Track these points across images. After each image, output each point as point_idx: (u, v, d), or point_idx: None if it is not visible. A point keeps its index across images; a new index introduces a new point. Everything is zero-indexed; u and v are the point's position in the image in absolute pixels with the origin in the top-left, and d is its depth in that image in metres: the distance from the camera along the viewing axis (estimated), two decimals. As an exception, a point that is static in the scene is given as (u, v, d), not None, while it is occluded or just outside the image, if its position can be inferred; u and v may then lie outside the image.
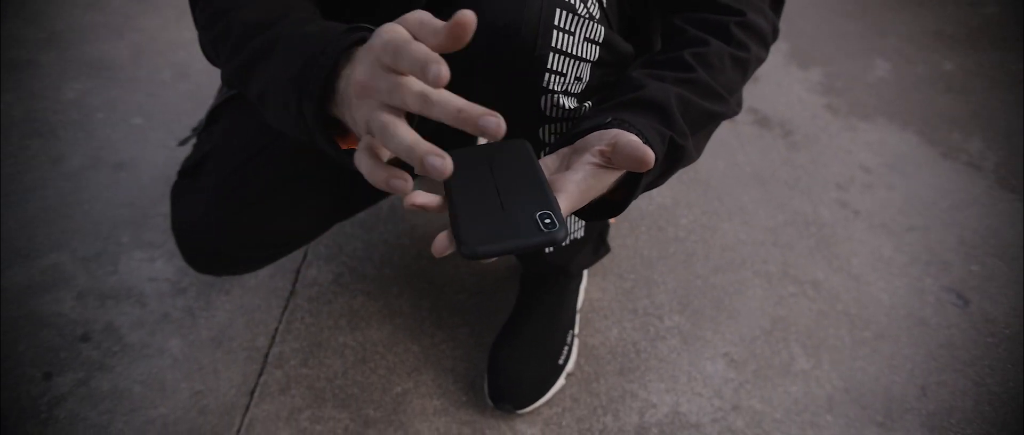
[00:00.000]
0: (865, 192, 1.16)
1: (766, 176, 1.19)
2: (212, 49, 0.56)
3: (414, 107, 0.36)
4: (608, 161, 0.45)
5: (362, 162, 0.39)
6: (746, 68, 0.59)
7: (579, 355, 0.90)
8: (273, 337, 0.91)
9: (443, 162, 0.34)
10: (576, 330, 0.90)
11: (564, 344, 0.86)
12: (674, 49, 0.57)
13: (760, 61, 0.62)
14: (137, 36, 1.39)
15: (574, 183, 0.45)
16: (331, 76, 0.42)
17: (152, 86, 1.29)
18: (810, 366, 0.91)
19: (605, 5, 0.57)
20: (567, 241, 0.39)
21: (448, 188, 0.43)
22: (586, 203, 0.46)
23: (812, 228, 1.10)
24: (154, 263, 0.98)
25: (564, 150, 0.48)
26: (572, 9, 0.53)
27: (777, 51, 1.44)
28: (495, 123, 0.34)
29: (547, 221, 0.40)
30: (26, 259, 0.97)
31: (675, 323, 0.95)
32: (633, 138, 0.44)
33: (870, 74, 1.43)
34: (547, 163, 0.48)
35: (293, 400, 0.84)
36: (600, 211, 0.52)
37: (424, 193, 0.41)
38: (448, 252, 0.40)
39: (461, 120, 0.35)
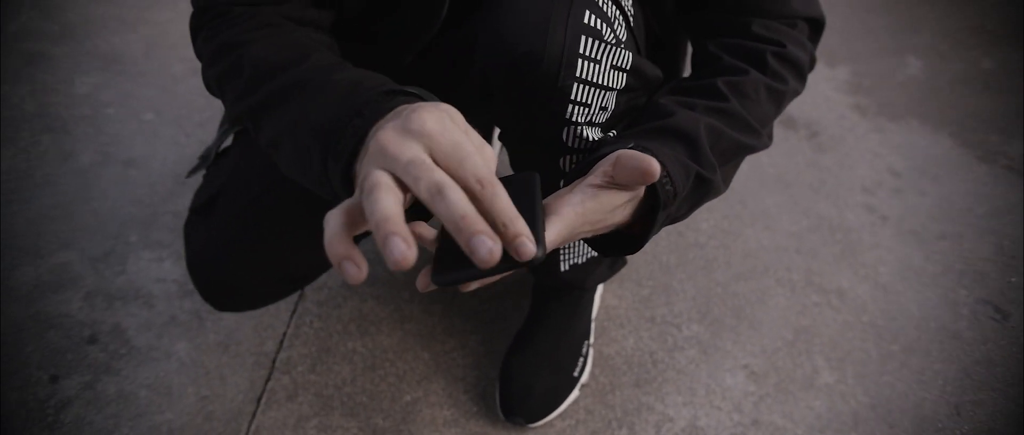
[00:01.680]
0: (894, 197, 1.11)
1: (790, 179, 1.14)
2: (217, 84, 0.52)
3: (422, 193, 0.32)
4: (610, 180, 0.42)
5: (329, 223, 0.34)
6: (781, 101, 0.56)
7: (594, 365, 0.87)
8: (281, 342, 0.89)
9: (405, 253, 0.30)
10: (591, 339, 0.87)
11: (578, 355, 0.84)
12: (708, 76, 0.54)
13: (796, 93, 0.59)
14: (149, 29, 1.38)
15: (569, 205, 0.42)
16: (364, 137, 0.39)
17: (164, 81, 1.27)
18: (834, 380, 0.87)
19: (632, 25, 0.53)
20: (538, 261, 0.35)
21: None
22: (587, 227, 0.43)
23: (838, 234, 1.05)
24: (162, 263, 0.97)
25: (578, 179, 0.45)
26: (598, 36, 0.49)
27: (803, 47, 1.39)
28: (488, 250, 0.31)
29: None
30: (34, 258, 0.96)
31: (694, 333, 0.92)
32: (636, 152, 0.41)
33: (901, 72, 1.37)
34: (561, 193, 0.44)
35: (301, 407, 0.83)
36: (617, 246, 0.49)
37: (424, 225, 0.39)
38: (431, 288, 0.38)
39: (457, 229, 0.31)
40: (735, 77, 0.53)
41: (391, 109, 0.39)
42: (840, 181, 1.14)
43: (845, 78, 1.35)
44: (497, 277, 0.38)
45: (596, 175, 0.42)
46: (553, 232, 0.40)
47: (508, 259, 0.35)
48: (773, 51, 0.55)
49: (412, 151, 0.34)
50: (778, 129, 1.24)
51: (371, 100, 0.40)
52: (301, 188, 0.65)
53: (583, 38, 0.48)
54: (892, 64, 1.39)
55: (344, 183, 0.40)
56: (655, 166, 0.39)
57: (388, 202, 0.32)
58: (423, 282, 0.38)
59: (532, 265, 0.35)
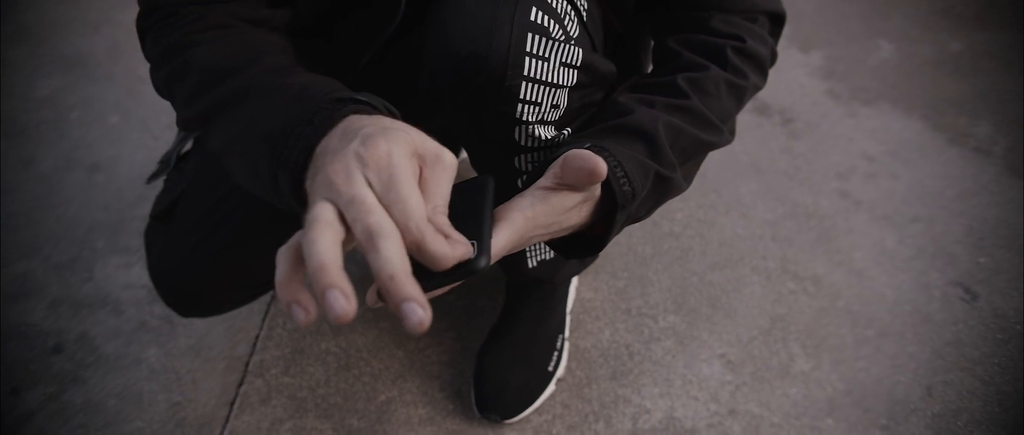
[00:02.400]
0: (867, 182, 1.12)
1: (764, 166, 1.14)
2: (165, 87, 0.50)
3: (358, 235, 0.31)
4: (560, 182, 0.41)
5: (279, 263, 0.32)
6: (742, 96, 0.56)
7: (570, 359, 0.87)
8: (254, 345, 0.88)
9: (345, 306, 0.29)
10: (566, 333, 0.87)
11: (553, 350, 0.83)
12: (667, 73, 0.53)
13: (757, 89, 0.58)
14: (113, 30, 1.35)
15: (518, 209, 0.41)
16: (313, 147, 0.37)
17: (130, 82, 1.24)
18: (810, 367, 0.87)
19: (586, 21, 0.52)
20: (481, 271, 0.35)
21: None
22: (540, 231, 0.42)
23: (812, 221, 1.06)
24: (131, 269, 0.95)
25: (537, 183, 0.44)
26: (546, 33, 0.48)
27: (777, 34, 1.39)
28: (418, 320, 0.29)
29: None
30: (-4, 267, 0.94)
31: (670, 324, 0.92)
32: (582, 151, 0.40)
33: (873, 56, 1.38)
34: (518, 199, 0.43)
35: (274, 410, 0.81)
36: (578, 247, 0.48)
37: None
38: (380, 305, 0.36)
39: (386, 289, 0.30)
40: (695, 73, 0.52)
41: (343, 117, 0.37)
42: (814, 167, 1.14)
43: (819, 63, 1.35)
44: (446, 288, 0.37)
45: (547, 177, 0.42)
46: (502, 238, 0.39)
47: (455, 269, 0.34)
48: (733, 46, 0.54)
49: (355, 188, 0.32)
50: (752, 115, 1.24)
51: (321, 108, 0.38)
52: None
53: (530, 36, 0.47)
54: (865, 48, 1.40)
55: (294, 195, 0.38)
56: (601, 166, 0.38)
57: (323, 246, 0.30)
58: (371, 298, 0.36)
59: (477, 274, 0.34)
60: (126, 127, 1.16)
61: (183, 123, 0.50)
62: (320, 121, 0.37)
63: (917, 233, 1.04)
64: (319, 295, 0.29)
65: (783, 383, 0.86)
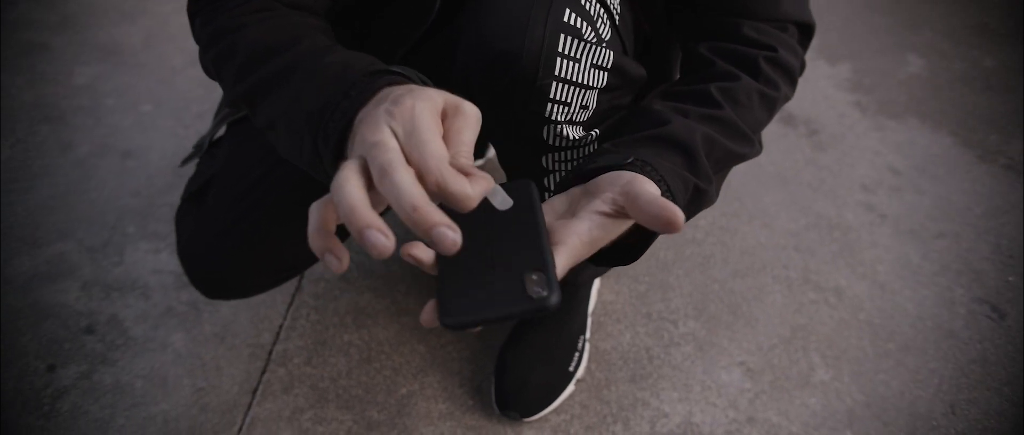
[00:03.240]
0: (893, 195, 1.11)
1: (789, 177, 1.14)
2: (214, 68, 0.52)
3: (375, 174, 0.32)
4: (620, 209, 0.40)
5: (312, 215, 0.34)
6: (773, 107, 0.56)
7: (590, 360, 0.87)
8: (278, 334, 0.89)
9: (383, 241, 0.30)
10: (587, 334, 0.87)
11: (574, 350, 0.84)
12: (700, 82, 0.53)
13: (787, 99, 0.58)
14: (149, 21, 1.38)
15: (577, 235, 0.40)
16: (352, 118, 0.39)
17: (162, 72, 1.27)
18: (830, 377, 0.87)
19: (618, 24, 0.53)
20: (556, 306, 0.35)
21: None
22: (590, 251, 0.41)
23: (836, 232, 1.05)
24: (159, 255, 0.97)
25: (575, 190, 0.44)
26: (578, 34, 0.48)
27: (804, 44, 1.39)
28: (451, 241, 0.30)
29: (537, 284, 0.35)
30: (32, 247, 0.96)
31: (690, 329, 0.92)
32: (655, 194, 0.39)
33: (902, 70, 1.37)
34: (555, 205, 0.43)
35: (296, 399, 0.83)
36: (611, 257, 0.47)
37: (422, 246, 0.37)
38: (437, 324, 0.36)
39: (413, 221, 0.31)
40: (728, 83, 0.52)
41: (378, 90, 0.39)
42: (839, 179, 1.14)
43: (846, 75, 1.35)
44: (512, 318, 0.36)
45: (603, 201, 0.41)
46: (561, 265, 0.38)
47: (527, 301, 0.34)
48: (766, 56, 0.54)
49: (379, 134, 0.33)
50: (777, 126, 1.23)
51: (357, 81, 0.40)
52: (293, 179, 0.65)
53: (562, 37, 0.48)
54: (893, 62, 1.39)
55: (335, 166, 0.40)
56: (680, 218, 0.37)
57: (349, 189, 0.31)
58: (428, 318, 0.36)
59: (549, 311, 0.34)
60: (158, 115, 1.19)
61: (231, 101, 0.51)
62: (357, 93, 0.39)
63: (942, 249, 1.03)
64: (357, 236, 0.30)
65: (802, 393, 0.85)
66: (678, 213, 0.37)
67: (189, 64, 1.29)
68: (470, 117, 0.36)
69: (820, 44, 1.40)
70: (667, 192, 0.43)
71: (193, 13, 0.54)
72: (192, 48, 1.30)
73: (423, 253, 0.37)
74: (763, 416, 0.83)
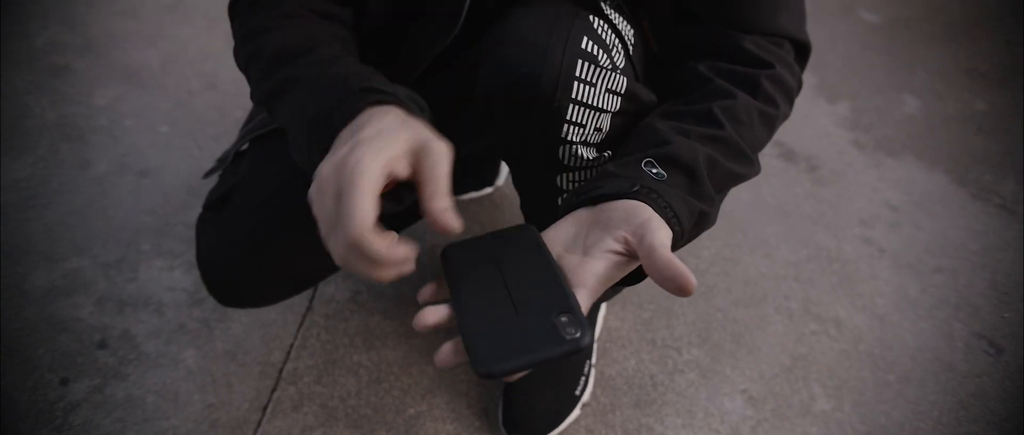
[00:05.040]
0: (891, 230, 1.14)
1: (790, 210, 1.17)
2: (244, 66, 0.57)
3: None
4: (633, 251, 0.42)
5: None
6: (773, 125, 0.56)
7: (595, 385, 0.89)
8: (288, 353, 0.91)
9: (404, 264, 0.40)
10: (593, 360, 0.89)
11: (580, 374, 0.85)
12: (700, 100, 0.54)
13: (785, 117, 0.59)
14: (168, 45, 1.42)
15: (594, 276, 0.41)
16: (340, 130, 0.43)
17: (180, 95, 1.30)
18: (831, 407, 0.88)
19: (631, 54, 0.56)
20: (590, 345, 0.37)
21: (454, 291, 0.40)
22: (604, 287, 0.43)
23: (835, 265, 1.08)
24: (173, 272, 0.99)
25: (583, 216, 0.45)
26: (594, 60, 0.51)
27: (804, 84, 1.42)
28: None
29: (568, 326, 0.36)
30: (49, 262, 0.98)
31: (694, 357, 0.93)
32: (668, 256, 0.40)
33: (899, 110, 1.41)
34: (560, 233, 0.45)
35: (305, 418, 0.84)
36: (620, 282, 0.48)
37: (434, 310, 0.40)
38: (453, 364, 0.38)
39: (357, 248, 0.38)
40: (727, 101, 0.53)
41: (360, 110, 0.43)
42: (838, 213, 1.17)
43: (845, 114, 1.39)
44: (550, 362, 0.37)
45: (616, 241, 0.42)
46: (583, 305, 0.40)
47: (563, 343, 0.36)
48: (766, 75, 0.55)
49: (316, 207, 0.42)
50: (778, 161, 1.27)
51: (348, 96, 0.44)
52: None
53: (580, 62, 0.51)
54: (890, 101, 1.43)
55: None
56: (692, 286, 0.39)
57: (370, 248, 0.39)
58: (445, 358, 0.39)
59: (583, 351, 0.35)
60: (175, 136, 1.22)
61: (255, 100, 0.57)
62: (345, 108, 0.43)
63: (940, 283, 1.05)
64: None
65: (803, 421, 0.87)
66: (691, 281, 0.38)
67: (206, 88, 1.32)
68: (440, 155, 0.40)
69: (820, 83, 1.45)
70: (673, 218, 0.44)
71: (233, 15, 0.60)
72: (209, 72, 1.35)
73: (434, 316, 0.40)
74: (766, 444, 0.84)
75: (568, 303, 0.38)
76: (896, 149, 1.31)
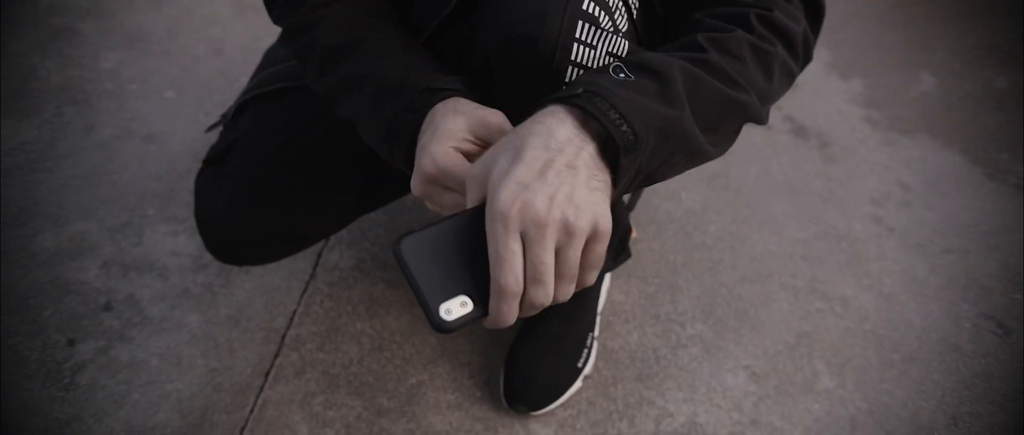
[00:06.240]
0: (901, 210, 1.12)
1: (799, 187, 1.15)
2: (298, 61, 0.61)
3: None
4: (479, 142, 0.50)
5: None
6: (770, 64, 0.51)
7: (598, 358, 0.89)
8: (291, 319, 0.91)
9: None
10: (596, 333, 0.89)
11: (583, 347, 0.85)
12: (687, 34, 0.51)
13: (787, 66, 0.53)
14: (173, 9, 1.40)
15: (429, 156, 0.47)
16: (415, 133, 0.50)
17: (185, 60, 1.29)
18: (834, 385, 0.88)
19: (635, 18, 0.54)
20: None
21: (405, 268, 0.42)
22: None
23: (844, 243, 1.06)
24: (177, 237, 0.99)
25: None
26: (595, 22, 0.50)
27: (818, 60, 1.40)
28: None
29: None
30: (55, 225, 0.98)
31: (697, 331, 0.93)
32: (446, 153, 0.48)
33: (914, 88, 1.38)
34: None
35: (307, 384, 0.84)
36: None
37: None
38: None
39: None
40: (716, 34, 0.49)
41: (431, 107, 0.50)
42: (849, 191, 1.15)
43: (858, 91, 1.36)
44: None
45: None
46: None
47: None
48: (758, 13, 0.51)
49: (435, 192, 0.49)
50: (789, 137, 1.25)
51: (415, 99, 0.51)
52: (313, 147, 0.68)
53: (580, 24, 0.49)
54: (906, 79, 1.40)
55: (407, 163, 0.51)
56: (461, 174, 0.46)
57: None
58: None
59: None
60: (180, 102, 1.21)
61: (316, 91, 0.60)
62: (417, 109, 0.51)
63: (950, 264, 1.04)
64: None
65: (806, 399, 0.86)
66: (458, 174, 0.47)
67: (212, 54, 1.31)
68: (495, 125, 0.47)
69: (834, 59, 1.42)
70: (619, 120, 0.40)
71: (269, 5, 0.62)
72: (215, 37, 1.34)
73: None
74: (767, 420, 0.84)
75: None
76: (910, 127, 1.28)
